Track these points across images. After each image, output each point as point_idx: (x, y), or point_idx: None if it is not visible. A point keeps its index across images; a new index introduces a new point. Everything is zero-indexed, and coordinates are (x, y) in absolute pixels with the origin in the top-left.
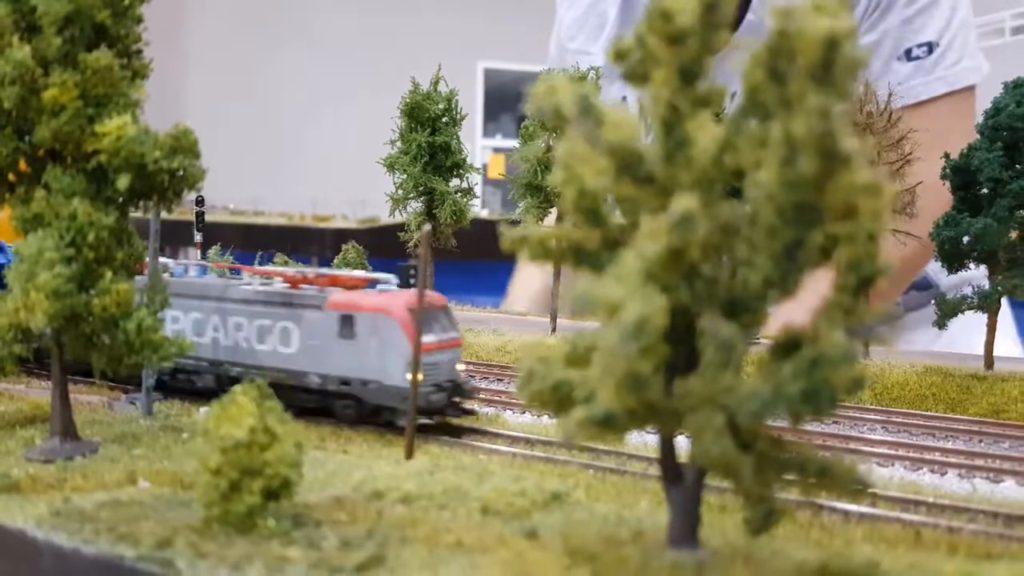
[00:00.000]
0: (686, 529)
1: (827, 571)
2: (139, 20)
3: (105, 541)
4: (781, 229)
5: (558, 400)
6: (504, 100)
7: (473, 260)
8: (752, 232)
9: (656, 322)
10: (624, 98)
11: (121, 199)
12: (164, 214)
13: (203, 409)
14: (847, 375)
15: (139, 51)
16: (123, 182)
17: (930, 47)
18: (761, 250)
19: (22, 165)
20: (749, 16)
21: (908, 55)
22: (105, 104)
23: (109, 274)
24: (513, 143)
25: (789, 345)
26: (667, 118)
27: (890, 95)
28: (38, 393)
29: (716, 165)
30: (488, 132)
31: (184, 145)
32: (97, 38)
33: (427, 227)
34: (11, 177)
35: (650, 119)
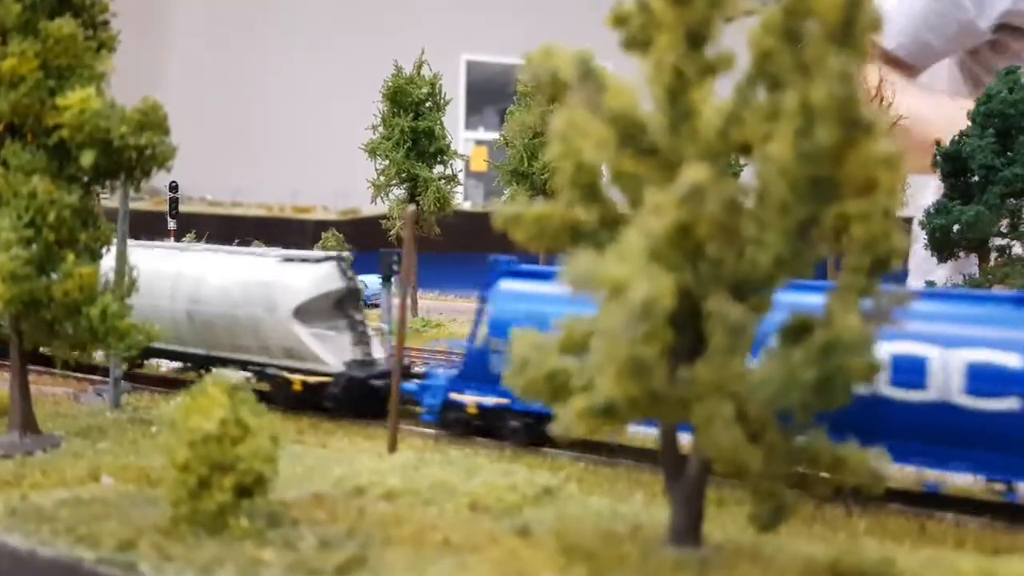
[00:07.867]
0: (688, 525)
1: (839, 568)
2: None
3: (64, 542)
4: (794, 205)
5: (553, 389)
6: (487, 92)
7: (456, 252)
8: (761, 209)
9: (664, 303)
10: None
11: (85, 177)
12: (137, 203)
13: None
14: (863, 361)
15: (106, 21)
16: (87, 158)
17: None
18: (771, 228)
19: None
20: None
21: None
22: (68, 76)
23: (72, 257)
24: (496, 135)
25: (800, 329)
26: (672, 85)
27: (880, 81)
28: None
29: (722, 138)
30: (470, 124)
31: (153, 121)
32: (60, 6)
33: (412, 207)
34: None
35: (653, 88)
